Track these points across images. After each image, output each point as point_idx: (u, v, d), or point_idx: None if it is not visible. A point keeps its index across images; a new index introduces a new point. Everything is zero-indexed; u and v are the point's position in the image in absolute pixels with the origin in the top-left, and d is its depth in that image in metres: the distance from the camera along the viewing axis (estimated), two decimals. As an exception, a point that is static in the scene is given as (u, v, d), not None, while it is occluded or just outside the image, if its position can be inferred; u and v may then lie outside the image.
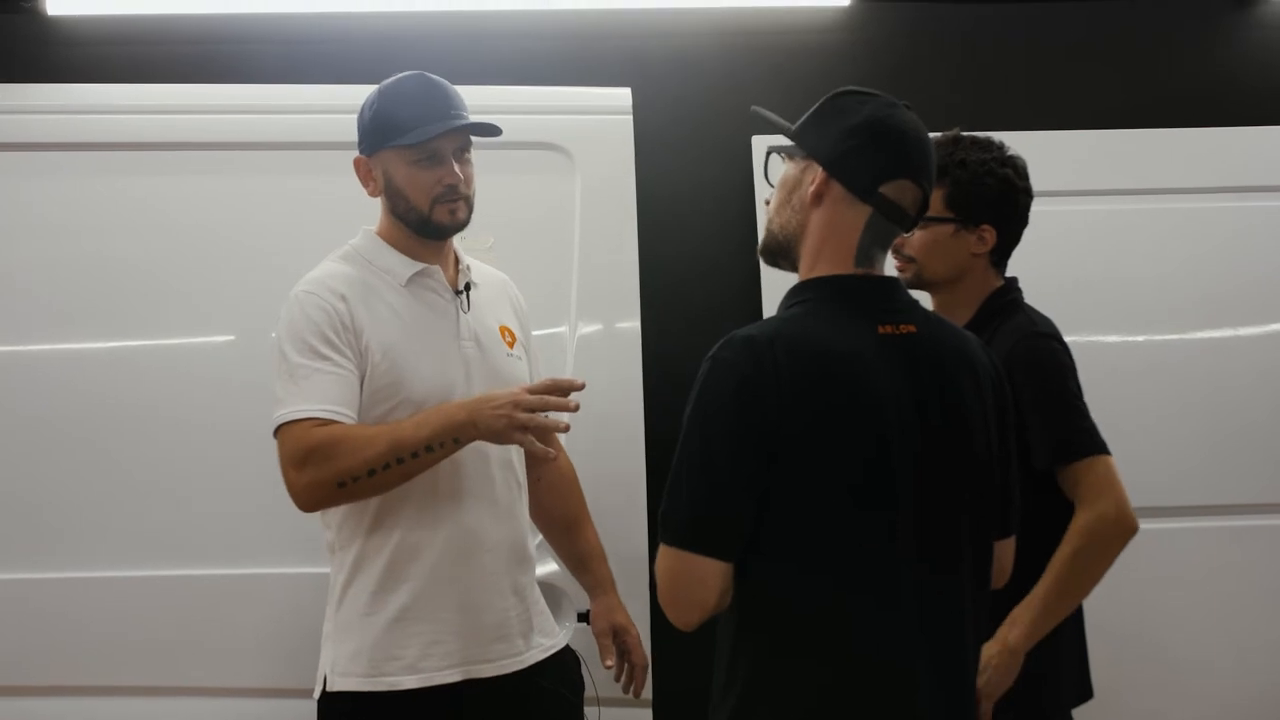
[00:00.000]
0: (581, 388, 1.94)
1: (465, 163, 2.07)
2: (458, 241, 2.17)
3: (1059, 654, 2.02)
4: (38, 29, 2.98)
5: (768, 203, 1.74)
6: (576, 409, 1.93)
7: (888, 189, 1.63)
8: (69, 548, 2.49)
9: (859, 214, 1.63)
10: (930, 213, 1.87)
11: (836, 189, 1.63)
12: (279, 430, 1.94)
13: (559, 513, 2.29)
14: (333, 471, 1.88)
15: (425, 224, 2.06)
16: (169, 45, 2.98)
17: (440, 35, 3.02)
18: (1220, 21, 3.23)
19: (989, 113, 2.65)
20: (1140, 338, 2.86)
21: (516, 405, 1.88)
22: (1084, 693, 2.09)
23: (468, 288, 2.12)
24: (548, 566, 2.42)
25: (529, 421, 1.88)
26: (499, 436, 1.90)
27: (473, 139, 2.09)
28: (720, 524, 1.54)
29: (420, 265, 2.07)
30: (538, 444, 1.91)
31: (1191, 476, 2.78)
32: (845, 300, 1.63)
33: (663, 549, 1.57)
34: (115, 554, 2.48)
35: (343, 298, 2.00)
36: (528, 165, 2.67)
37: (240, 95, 2.73)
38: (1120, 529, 1.96)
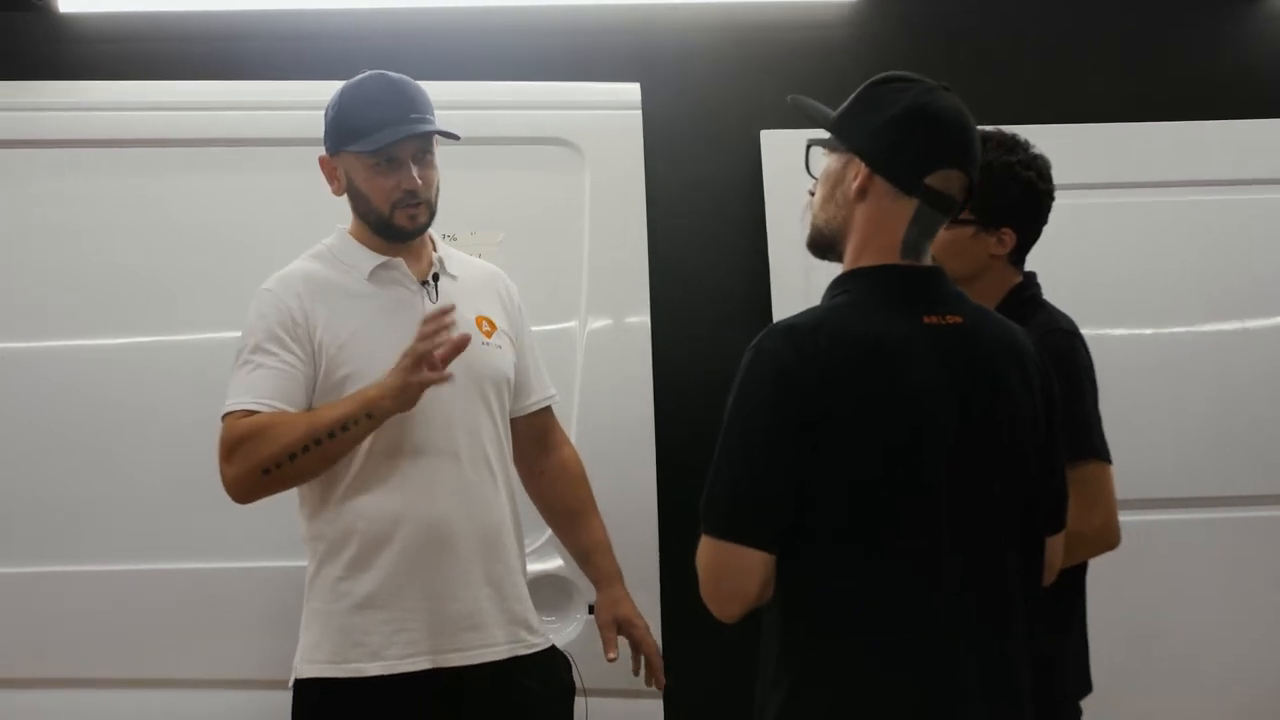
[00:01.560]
0: (451, 309, 1.92)
1: (426, 165, 2.07)
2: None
3: (1064, 644, 2.02)
4: (49, 26, 2.99)
5: (811, 194, 1.72)
6: (459, 332, 1.91)
7: (933, 180, 1.60)
8: (69, 542, 2.50)
9: (905, 207, 1.61)
10: None
11: (880, 184, 1.61)
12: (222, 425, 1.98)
13: (562, 505, 2.29)
14: (257, 459, 1.91)
15: (386, 227, 2.07)
16: (180, 42, 2.99)
17: (449, 30, 3.02)
18: (1228, 14, 3.22)
19: (996, 107, 2.63)
20: (1148, 330, 2.86)
21: (402, 366, 1.89)
22: (1084, 686, 2.09)
23: (435, 278, 2.12)
24: (554, 561, 2.43)
25: (422, 377, 1.88)
26: (403, 394, 1.90)
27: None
28: (761, 514, 1.52)
29: (383, 258, 2.09)
30: (441, 376, 1.89)
31: (1198, 468, 2.77)
32: (890, 290, 1.61)
33: (704, 540, 1.55)
34: (116, 548, 2.50)
35: (298, 295, 2.03)
36: (537, 160, 2.67)
37: (251, 91, 2.75)
38: (1100, 544, 1.97)
